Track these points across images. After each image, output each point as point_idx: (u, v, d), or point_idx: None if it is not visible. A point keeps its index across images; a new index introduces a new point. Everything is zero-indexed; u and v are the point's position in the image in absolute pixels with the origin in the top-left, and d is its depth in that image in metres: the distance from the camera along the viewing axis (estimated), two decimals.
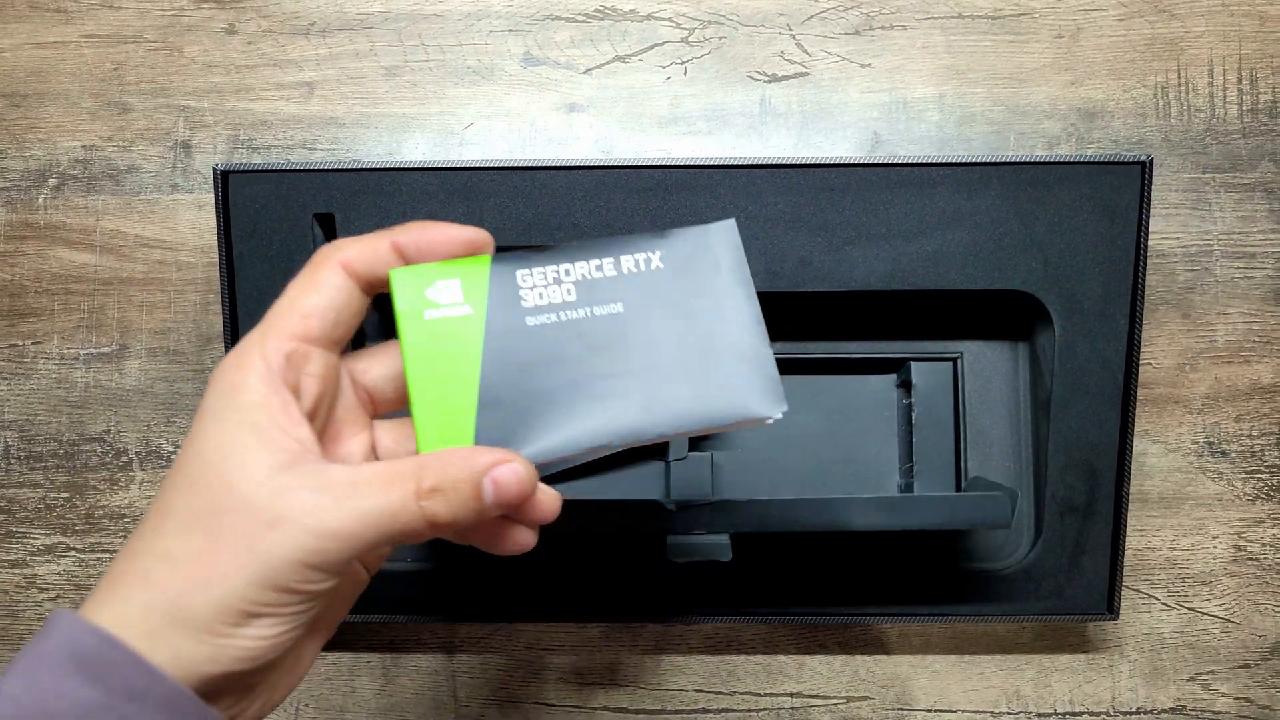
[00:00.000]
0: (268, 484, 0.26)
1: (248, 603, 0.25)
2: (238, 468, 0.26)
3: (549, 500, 0.29)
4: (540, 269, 0.29)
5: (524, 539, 0.29)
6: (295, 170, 0.45)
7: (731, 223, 0.31)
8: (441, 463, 0.27)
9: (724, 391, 0.29)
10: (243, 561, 0.25)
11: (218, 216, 0.45)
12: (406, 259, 0.29)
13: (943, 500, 0.42)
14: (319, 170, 0.45)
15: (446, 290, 0.29)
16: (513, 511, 0.28)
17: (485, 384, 0.28)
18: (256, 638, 0.26)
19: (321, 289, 0.28)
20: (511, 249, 0.30)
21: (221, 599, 0.25)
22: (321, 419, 0.29)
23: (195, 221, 0.51)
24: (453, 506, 0.27)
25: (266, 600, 0.25)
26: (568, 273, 0.30)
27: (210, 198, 0.51)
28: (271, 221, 0.45)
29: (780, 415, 0.29)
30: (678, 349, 0.29)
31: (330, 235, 0.46)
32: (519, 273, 0.29)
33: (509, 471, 0.27)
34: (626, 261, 0.30)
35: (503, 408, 0.28)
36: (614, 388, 0.29)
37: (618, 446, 0.29)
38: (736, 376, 0.29)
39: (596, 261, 0.30)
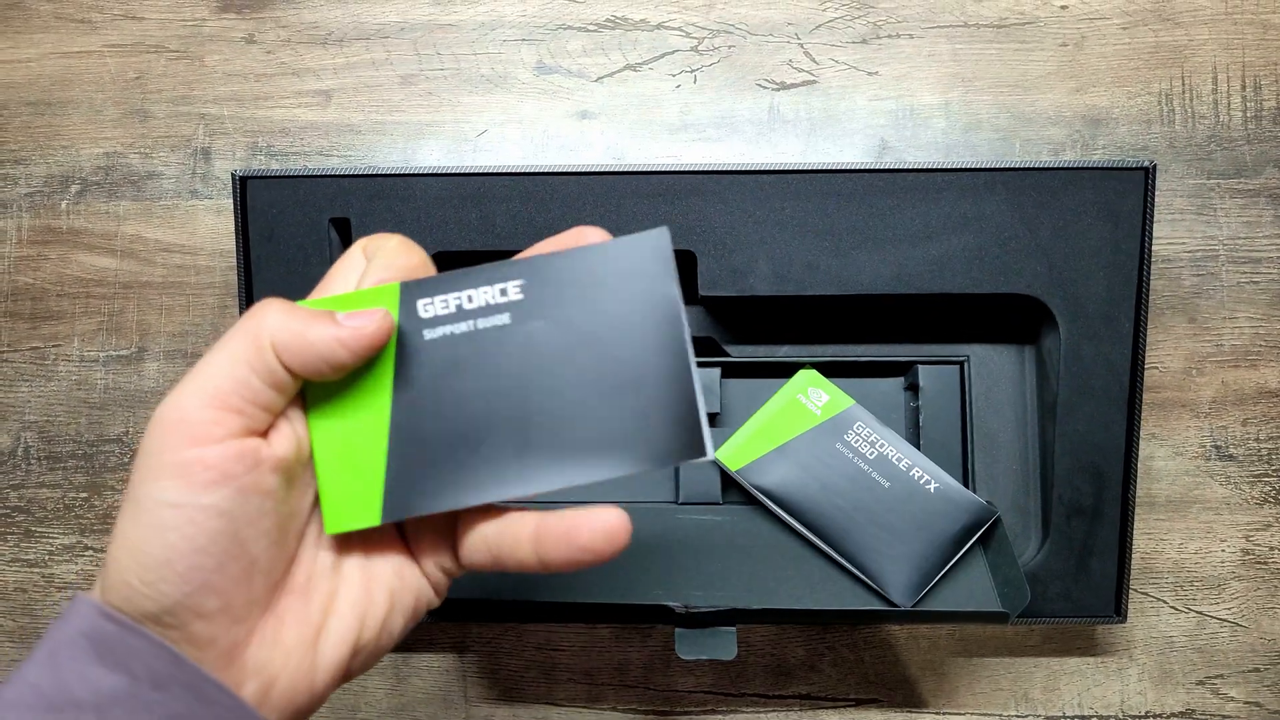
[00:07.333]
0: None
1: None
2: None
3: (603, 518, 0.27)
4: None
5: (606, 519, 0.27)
6: (312, 176, 0.46)
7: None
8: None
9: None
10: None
11: (236, 221, 0.46)
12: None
13: (948, 613, 0.44)
14: (335, 176, 0.46)
15: None
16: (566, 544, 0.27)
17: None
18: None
19: None
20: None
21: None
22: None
23: (214, 226, 0.52)
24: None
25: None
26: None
27: (229, 203, 0.52)
28: (288, 226, 0.46)
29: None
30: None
31: (346, 240, 0.47)
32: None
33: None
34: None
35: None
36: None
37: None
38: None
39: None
